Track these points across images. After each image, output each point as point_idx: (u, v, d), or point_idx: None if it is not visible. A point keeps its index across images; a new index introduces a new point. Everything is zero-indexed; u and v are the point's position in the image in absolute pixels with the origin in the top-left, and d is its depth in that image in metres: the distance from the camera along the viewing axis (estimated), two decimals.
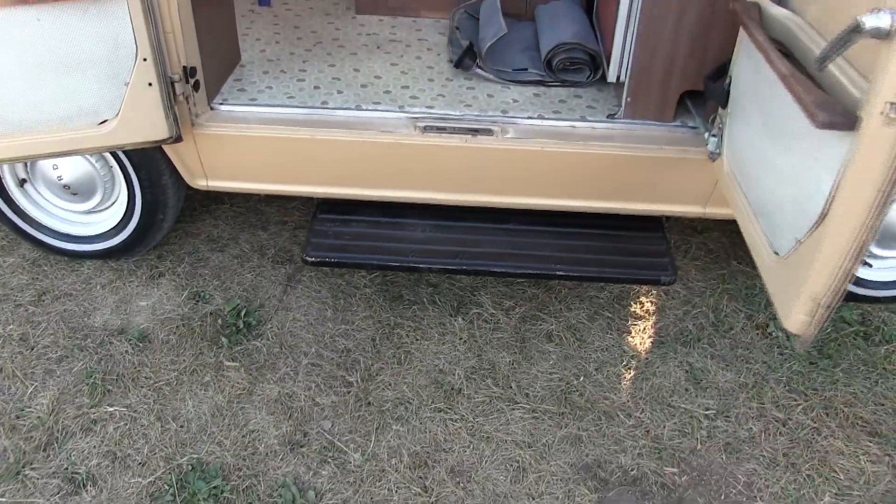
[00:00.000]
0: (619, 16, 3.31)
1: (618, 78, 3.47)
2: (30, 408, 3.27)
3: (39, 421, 3.22)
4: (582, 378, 3.49)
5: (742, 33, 2.96)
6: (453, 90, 3.70)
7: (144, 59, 2.98)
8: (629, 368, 3.55)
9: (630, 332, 3.72)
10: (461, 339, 3.65)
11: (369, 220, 3.68)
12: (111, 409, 3.28)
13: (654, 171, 3.38)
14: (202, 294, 3.83)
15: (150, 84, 3.04)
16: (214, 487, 2.99)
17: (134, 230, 3.77)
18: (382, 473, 3.09)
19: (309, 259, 3.49)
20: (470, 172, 3.44)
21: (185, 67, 3.16)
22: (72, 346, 3.54)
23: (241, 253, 4.10)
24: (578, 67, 3.74)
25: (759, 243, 2.80)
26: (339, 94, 3.64)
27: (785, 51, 2.66)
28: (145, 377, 3.42)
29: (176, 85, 3.15)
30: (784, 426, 3.33)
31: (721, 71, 3.16)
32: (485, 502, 3.01)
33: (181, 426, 3.23)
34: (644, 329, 3.75)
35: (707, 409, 3.38)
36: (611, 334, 3.71)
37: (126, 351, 3.53)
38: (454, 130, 3.38)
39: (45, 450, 3.12)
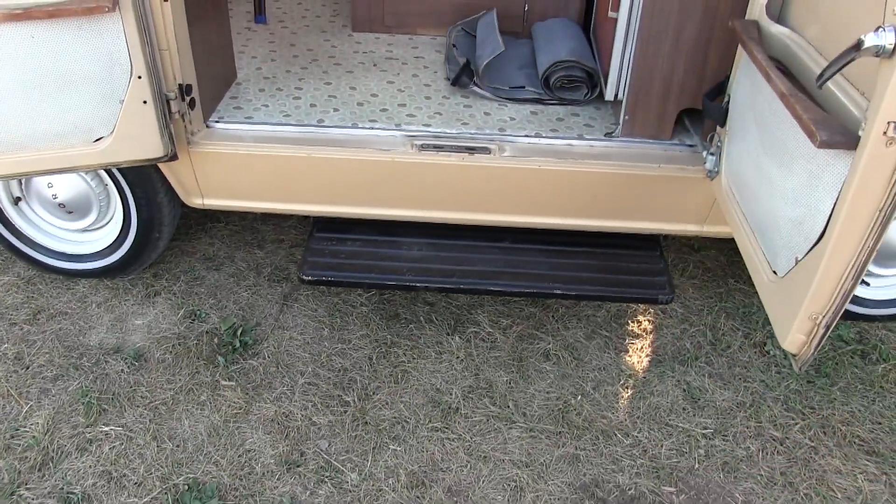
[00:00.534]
0: (616, 33, 3.31)
1: (615, 96, 3.47)
2: (25, 427, 3.25)
3: (34, 440, 3.19)
4: (580, 397, 3.48)
5: (741, 51, 2.96)
6: (450, 108, 3.70)
7: (139, 77, 2.97)
8: (627, 387, 3.53)
9: (628, 351, 3.71)
10: (458, 357, 3.64)
11: (366, 238, 3.67)
12: (107, 428, 3.26)
13: (652, 190, 3.38)
14: (198, 313, 3.81)
15: (144, 102, 3.03)
16: None
17: (129, 248, 3.75)
18: (379, 493, 3.07)
19: (305, 278, 3.48)
20: (467, 191, 3.43)
21: (180, 85, 3.15)
22: (67, 365, 3.52)
23: (237, 271, 4.09)
24: (576, 85, 3.74)
25: (757, 262, 2.80)
26: (335, 111, 3.63)
27: (784, 69, 2.66)
28: (141, 396, 3.40)
29: (171, 103, 3.14)
30: (782, 445, 3.32)
31: (719, 89, 3.16)
32: None
33: (177, 446, 3.21)
34: (641, 348, 3.74)
35: (705, 428, 3.37)
36: (608, 353, 3.70)
37: (122, 370, 3.51)
38: (451, 149, 3.37)
39: (40, 470, 3.10)
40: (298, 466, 3.15)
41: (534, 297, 3.86)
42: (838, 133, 2.17)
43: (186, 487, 3.05)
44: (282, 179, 3.45)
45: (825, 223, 2.30)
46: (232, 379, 3.49)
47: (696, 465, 3.22)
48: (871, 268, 3.69)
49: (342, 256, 3.58)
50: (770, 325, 2.79)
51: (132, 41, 2.89)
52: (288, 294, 3.96)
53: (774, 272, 2.66)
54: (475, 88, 3.82)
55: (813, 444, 3.32)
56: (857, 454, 3.29)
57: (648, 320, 3.89)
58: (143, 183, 3.50)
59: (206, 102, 3.47)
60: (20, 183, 3.67)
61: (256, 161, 3.39)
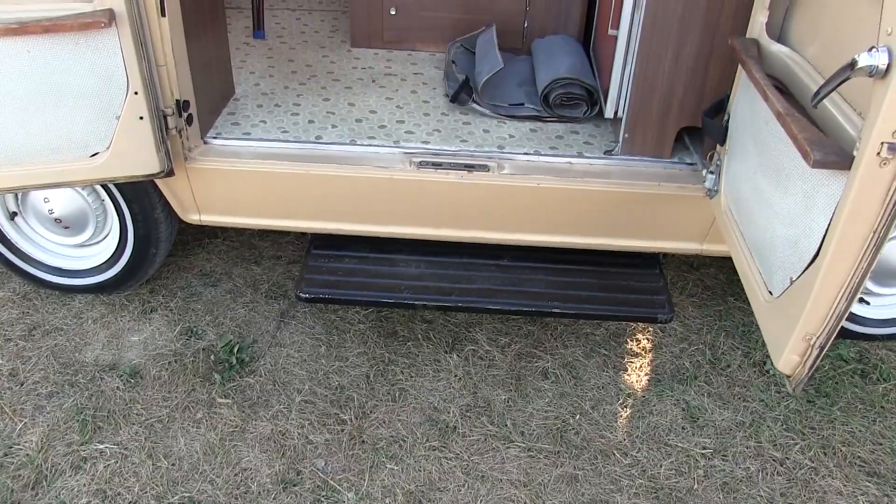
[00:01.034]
0: (616, 51, 3.30)
1: (615, 114, 3.46)
2: (19, 445, 3.23)
3: (28, 458, 3.17)
4: (578, 416, 3.46)
5: (740, 70, 2.95)
6: (449, 125, 3.69)
7: (135, 93, 2.96)
8: (625, 406, 3.51)
9: (626, 370, 3.69)
10: (456, 376, 3.62)
11: (363, 255, 3.66)
12: (101, 446, 3.24)
13: (652, 208, 3.37)
14: (195, 329, 3.80)
15: (141, 118, 3.02)
16: None
17: (126, 264, 3.74)
18: None
19: (303, 295, 3.46)
20: (466, 209, 3.42)
21: (177, 101, 3.14)
22: (62, 382, 3.50)
23: (234, 288, 4.07)
24: (575, 103, 3.73)
25: (753, 283, 2.78)
26: (333, 128, 3.62)
27: (783, 88, 2.65)
28: (136, 414, 3.38)
29: (168, 119, 3.13)
30: (782, 465, 3.29)
31: (719, 107, 3.15)
32: None
33: (172, 464, 3.19)
34: (640, 367, 3.72)
35: (704, 448, 3.35)
36: (607, 372, 3.68)
37: (117, 387, 3.49)
38: (450, 166, 3.36)
39: (33, 488, 3.07)
40: (295, 485, 3.12)
41: (532, 315, 3.84)
42: (832, 153, 2.16)
43: None
44: (279, 196, 3.44)
45: (819, 243, 2.29)
46: (228, 397, 3.47)
47: (696, 486, 3.20)
48: (871, 287, 3.68)
49: (339, 274, 3.56)
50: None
51: (129, 57, 2.87)
52: (285, 311, 3.95)
53: (770, 292, 2.65)
54: (474, 105, 3.81)
55: (813, 465, 3.30)
56: (857, 475, 3.27)
57: (647, 339, 3.87)
58: (139, 199, 3.49)
59: (204, 118, 3.45)
60: (16, 197, 3.65)
61: (254, 177, 3.38)
